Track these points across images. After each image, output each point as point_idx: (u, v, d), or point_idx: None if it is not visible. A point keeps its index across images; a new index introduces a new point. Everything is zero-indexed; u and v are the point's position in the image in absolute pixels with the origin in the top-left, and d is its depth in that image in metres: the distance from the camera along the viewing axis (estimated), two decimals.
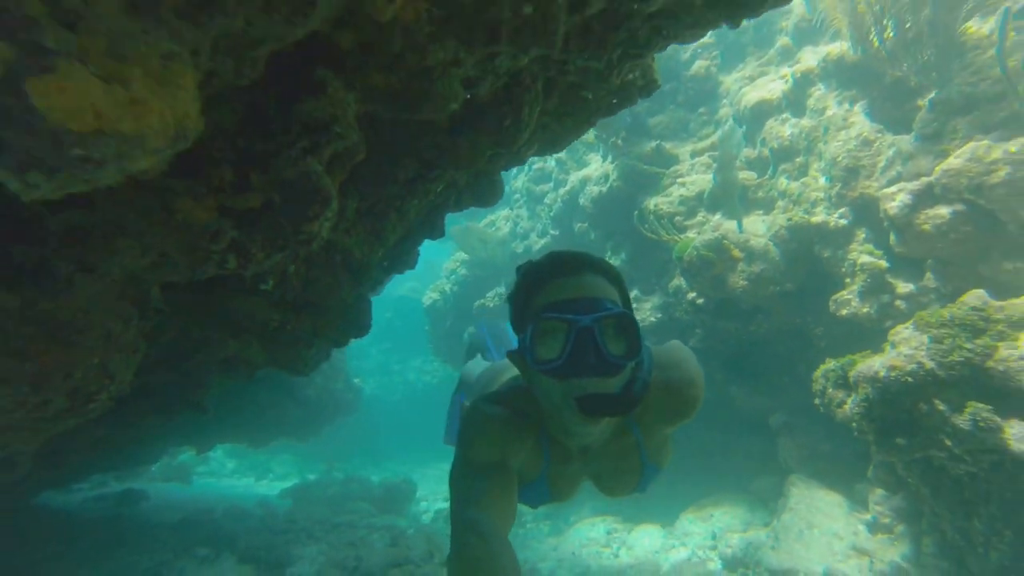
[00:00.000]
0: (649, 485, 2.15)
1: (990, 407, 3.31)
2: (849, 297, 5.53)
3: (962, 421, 3.37)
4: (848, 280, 5.60)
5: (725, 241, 6.20)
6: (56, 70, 0.94)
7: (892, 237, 5.16)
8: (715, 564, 6.42)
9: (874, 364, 3.84)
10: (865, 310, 5.38)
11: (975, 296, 3.58)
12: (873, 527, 5.21)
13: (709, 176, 7.30)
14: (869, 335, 5.33)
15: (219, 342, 3.15)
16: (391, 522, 8.96)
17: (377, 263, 3.45)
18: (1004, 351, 3.26)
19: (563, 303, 1.58)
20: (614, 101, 3.33)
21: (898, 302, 5.23)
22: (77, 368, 1.96)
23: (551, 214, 10.41)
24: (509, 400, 1.88)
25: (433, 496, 12.05)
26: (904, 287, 5.23)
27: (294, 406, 9.90)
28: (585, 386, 1.55)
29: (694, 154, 7.98)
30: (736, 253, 6.11)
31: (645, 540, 7.49)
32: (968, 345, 3.38)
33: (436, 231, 3.85)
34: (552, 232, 10.39)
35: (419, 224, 3.63)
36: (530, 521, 9.33)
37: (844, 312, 5.52)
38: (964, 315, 3.46)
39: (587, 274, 1.65)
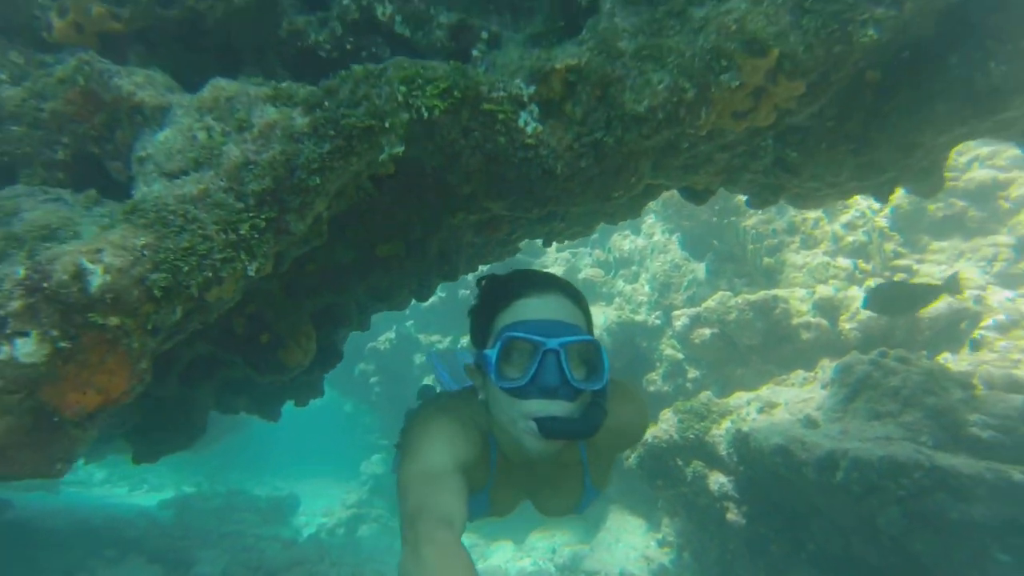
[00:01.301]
0: (587, 507, 2.18)
1: (703, 463, 5.44)
2: (656, 378, 7.71)
3: (689, 472, 5.49)
4: (658, 365, 7.79)
5: None
6: (288, 347, 2.73)
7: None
8: (551, 569, 8.41)
9: (646, 434, 5.93)
10: (666, 388, 7.56)
11: (704, 395, 5.75)
12: (661, 542, 7.30)
13: (566, 269, 9.47)
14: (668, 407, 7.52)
15: (227, 402, 4.84)
16: (277, 532, 9.80)
17: None
18: (714, 430, 5.39)
19: (531, 324, 1.58)
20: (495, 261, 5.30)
21: (688, 384, 7.43)
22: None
23: None
24: (458, 408, 1.87)
25: (312, 511, 13.06)
26: (693, 373, 7.44)
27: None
28: (545, 408, 1.55)
29: (559, 248, 10.13)
30: None
31: (499, 553, 9.41)
32: (697, 426, 5.50)
33: (366, 326, 5.65)
34: (440, 294, 12.17)
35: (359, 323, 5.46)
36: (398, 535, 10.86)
37: (652, 388, 7.70)
38: (697, 406, 5.60)
39: (556, 295, 1.66)
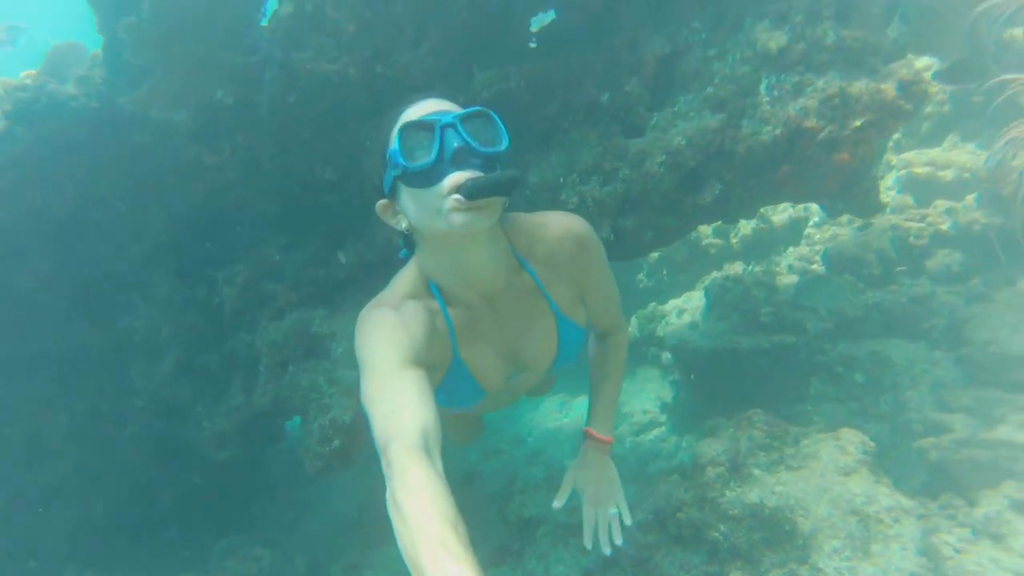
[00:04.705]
0: (575, 352, 2.11)
1: (656, 348, 8.66)
2: (643, 277, 10.83)
3: (650, 354, 8.75)
4: (643, 267, 10.89)
5: None
6: None
7: None
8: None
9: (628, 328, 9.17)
10: (650, 284, 10.70)
11: (651, 305, 8.89)
12: (670, 384, 10.65)
13: None
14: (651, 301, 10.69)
15: None
16: None
17: None
18: (658, 329, 8.53)
19: (420, 116, 1.57)
20: None
21: (665, 277, 10.53)
22: None
23: None
24: (390, 293, 1.81)
25: None
26: (664, 271, 10.50)
27: None
28: (463, 178, 1.51)
29: None
30: None
31: (579, 407, 12.27)
32: (648, 326, 8.67)
33: None
34: None
35: None
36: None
37: (641, 285, 10.84)
38: (647, 312, 8.66)
39: (434, 98, 1.68)
